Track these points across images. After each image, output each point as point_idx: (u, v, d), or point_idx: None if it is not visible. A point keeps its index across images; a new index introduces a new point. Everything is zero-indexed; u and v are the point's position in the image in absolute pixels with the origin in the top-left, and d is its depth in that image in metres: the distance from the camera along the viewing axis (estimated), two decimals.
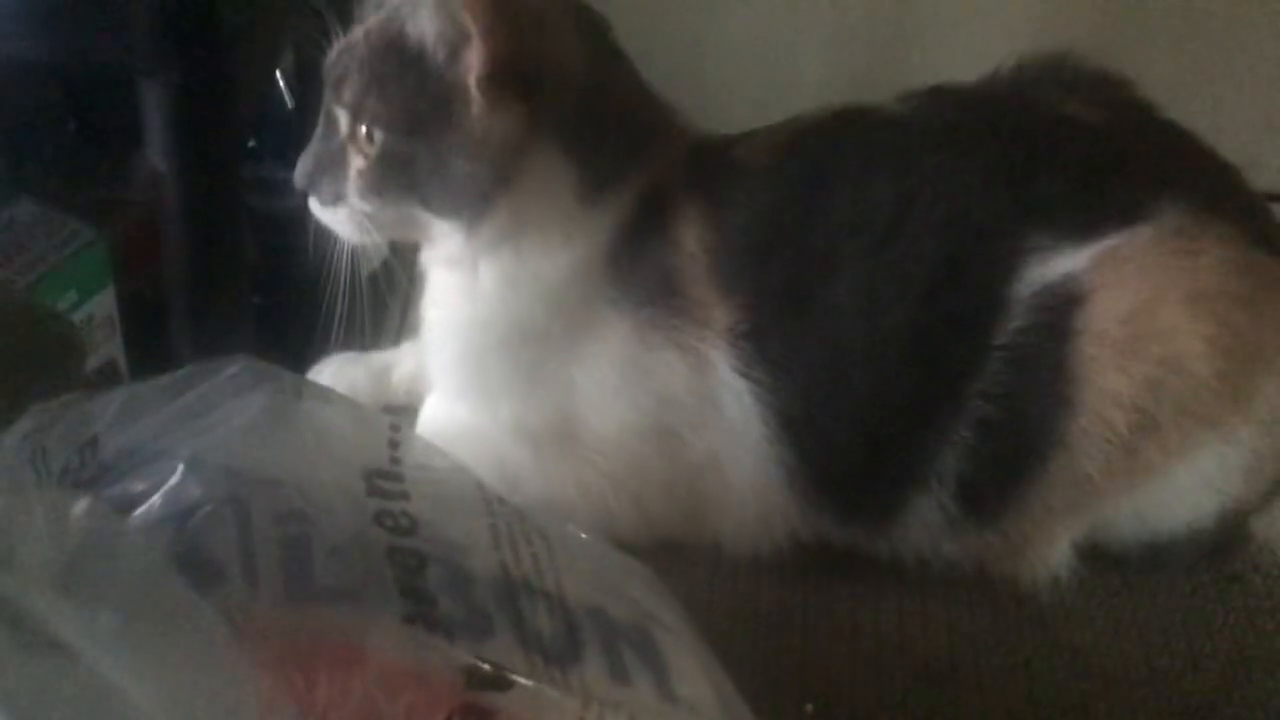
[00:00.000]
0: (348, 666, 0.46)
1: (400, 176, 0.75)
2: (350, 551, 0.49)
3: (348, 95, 0.75)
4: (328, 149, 0.77)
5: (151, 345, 1.14)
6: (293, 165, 1.40)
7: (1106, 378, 0.72)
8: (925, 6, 1.53)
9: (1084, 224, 0.73)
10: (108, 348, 1.17)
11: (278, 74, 1.32)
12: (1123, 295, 0.72)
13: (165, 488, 0.47)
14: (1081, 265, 0.73)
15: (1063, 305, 0.73)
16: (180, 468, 0.48)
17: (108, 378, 1.18)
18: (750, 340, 0.76)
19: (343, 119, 0.76)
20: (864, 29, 1.55)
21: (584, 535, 0.68)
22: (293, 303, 1.12)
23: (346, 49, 0.77)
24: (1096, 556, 0.80)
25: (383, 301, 0.88)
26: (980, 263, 0.74)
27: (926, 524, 0.77)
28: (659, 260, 0.78)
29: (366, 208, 0.77)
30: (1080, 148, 0.76)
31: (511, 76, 0.73)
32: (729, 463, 0.78)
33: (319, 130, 0.78)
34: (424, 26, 0.74)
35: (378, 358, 0.95)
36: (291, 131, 1.37)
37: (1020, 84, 0.82)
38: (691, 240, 0.77)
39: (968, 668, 0.76)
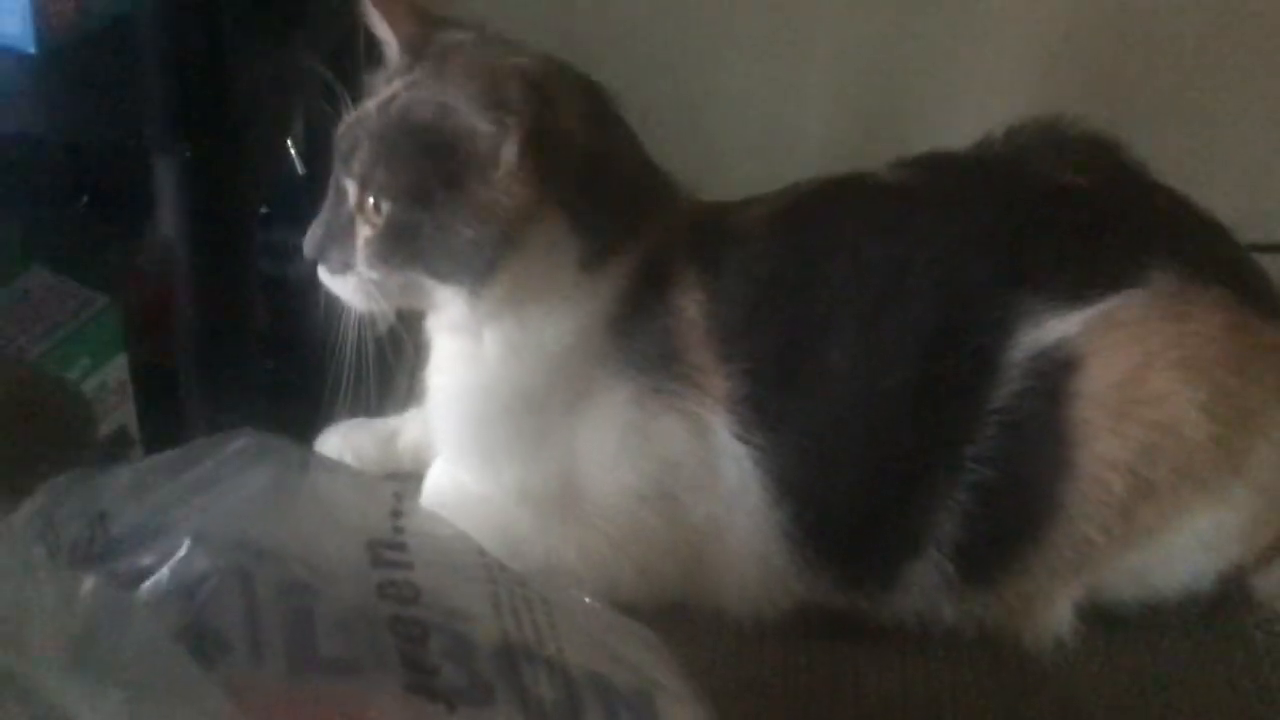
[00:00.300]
0: None
1: (407, 245, 0.76)
2: (354, 622, 0.50)
3: (357, 166, 0.77)
4: (336, 218, 0.79)
5: (164, 411, 1.16)
6: (304, 231, 1.42)
7: (1102, 442, 0.74)
8: (925, 66, 1.54)
9: (1076, 289, 0.74)
10: (120, 414, 1.19)
11: (289, 142, 1.34)
12: (1116, 360, 0.73)
13: (173, 561, 0.48)
14: (1074, 330, 0.74)
15: (1057, 370, 0.74)
16: (187, 542, 0.49)
17: (120, 444, 1.20)
18: (749, 406, 0.77)
19: (351, 189, 0.77)
20: (864, 88, 1.57)
21: (587, 599, 0.69)
22: (304, 367, 1.13)
23: (357, 121, 0.78)
24: (1098, 617, 0.80)
25: (390, 367, 0.90)
26: (975, 328, 0.75)
27: (926, 588, 0.78)
28: (659, 327, 0.79)
29: (374, 275, 0.78)
30: (1071, 214, 0.78)
31: (529, 147, 0.75)
32: (729, 527, 0.79)
33: (328, 200, 0.80)
34: (453, 102, 0.74)
35: (383, 424, 0.96)
36: (303, 198, 1.39)
37: (1012, 150, 0.84)
38: (691, 307, 0.79)
39: None
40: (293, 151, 1.36)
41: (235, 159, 0.98)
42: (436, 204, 0.75)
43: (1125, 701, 0.79)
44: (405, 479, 0.91)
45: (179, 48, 0.91)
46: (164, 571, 0.48)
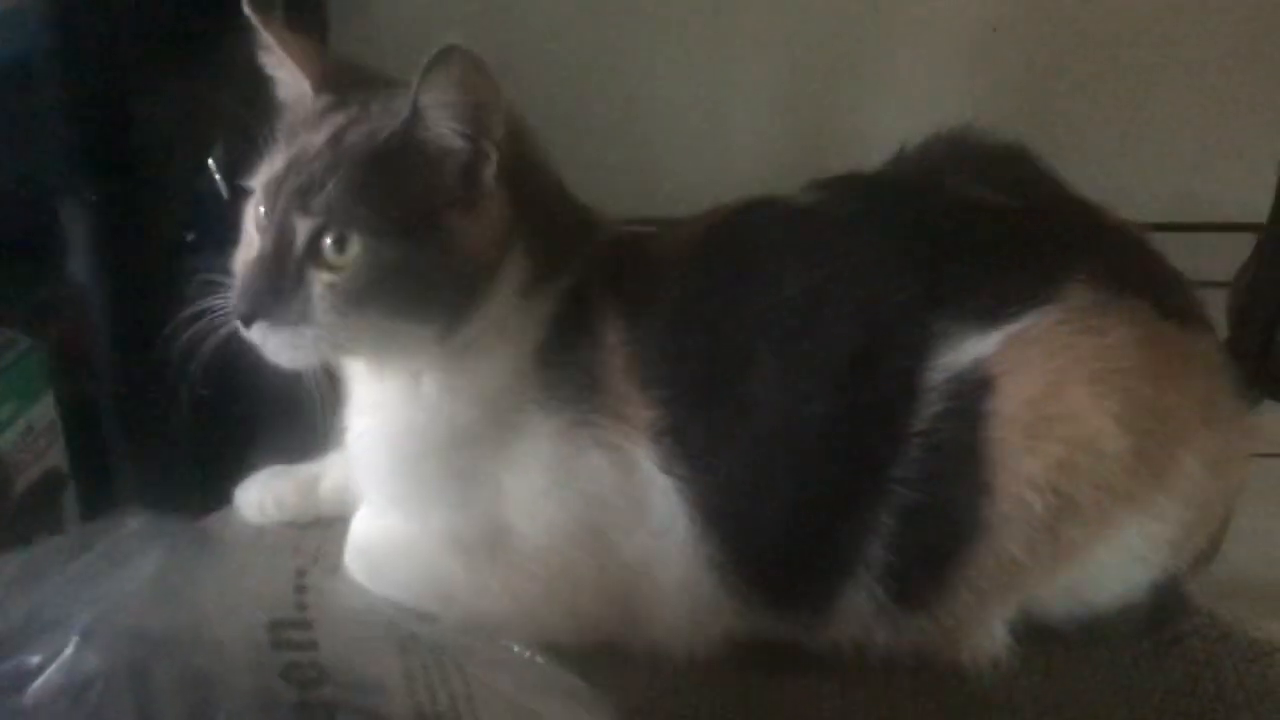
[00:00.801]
0: None
1: (377, 286, 0.72)
2: (255, 712, 0.49)
3: (319, 204, 0.72)
4: (279, 268, 0.72)
5: (97, 449, 1.14)
6: (231, 256, 1.40)
7: (1019, 461, 0.73)
8: (858, 66, 1.55)
9: (991, 309, 0.74)
10: (51, 456, 1.17)
11: (211, 166, 1.32)
12: (1029, 378, 0.73)
13: (60, 660, 0.47)
14: (990, 350, 0.73)
15: (973, 391, 0.73)
16: (75, 638, 0.47)
17: (52, 486, 1.17)
18: (671, 436, 0.76)
19: (303, 231, 0.72)
20: (798, 91, 1.57)
21: (515, 648, 0.67)
22: (235, 396, 1.11)
23: (300, 160, 0.73)
24: (1034, 634, 0.80)
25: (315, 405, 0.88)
26: (892, 351, 0.74)
27: (859, 613, 0.77)
28: (583, 358, 0.78)
29: (338, 323, 0.73)
30: (985, 232, 0.77)
31: (504, 174, 0.75)
32: (659, 561, 0.78)
33: (258, 252, 0.74)
34: (434, 127, 0.72)
35: (305, 470, 0.94)
36: (229, 222, 1.37)
37: (926, 167, 0.83)
38: (611, 336, 0.78)
39: None
40: (216, 176, 1.34)
41: (146, 197, 0.96)
42: (415, 237, 0.73)
43: (1066, 715, 0.78)
44: (330, 524, 0.89)
45: (80, 85, 0.90)
46: (51, 672, 0.47)
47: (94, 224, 0.95)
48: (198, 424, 1.11)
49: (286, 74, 0.78)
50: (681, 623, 0.79)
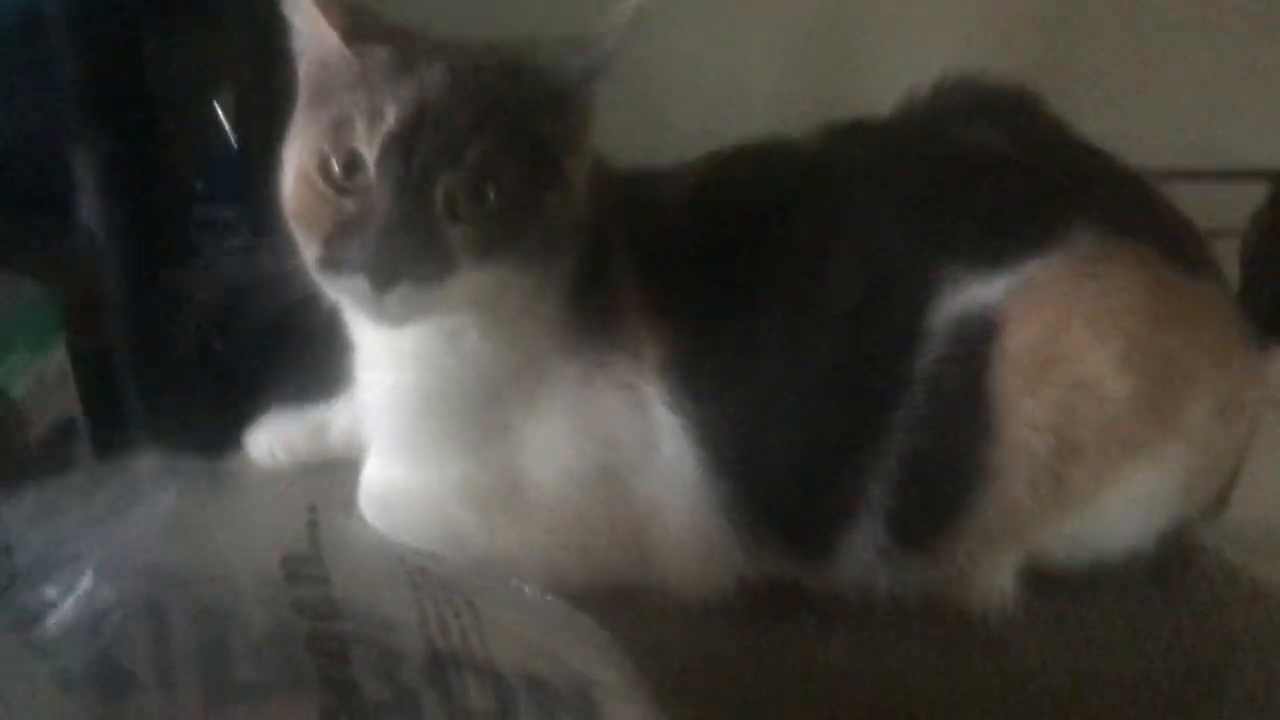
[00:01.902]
0: None
1: (515, 234, 0.72)
2: (270, 645, 0.49)
3: (469, 158, 0.69)
4: (415, 226, 0.69)
5: (109, 396, 1.14)
6: (241, 203, 1.40)
7: (1022, 404, 0.73)
8: (869, 15, 1.53)
9: (997, 254, 0.74)
10: (64, 404, 1.17)
11: (219, 114, 1.32)
12: (1032, 321, 0.73)
13: (77, 594, 0.47)
14: (995, 295, 0.73)
15: (979, 335, 0.73)
16: (90, 572, 0.48)
17: (66, 434, 1.18)
18: (679, 373, 0.76)
19: (443, 186, 0.69)
20: (811, 37, 1.56)
21: (526, 590, 0.68)
22: (245, 341, 1.12)
23: (427, 117, 0.70)
24: (1040, 580, 0.80)
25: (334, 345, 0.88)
26: (898, 296, 0.74)
27: (863, 556, 0.77)
28: (600, 300, 0.78)
29: (479, 275, 0.71)
30: (992, 178, 0.77)
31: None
32: (669, 503, 0.78)
33: (387, 213, 0.69)
34: (563, 80, 0.73)
35: (314, 415, 0.95)
36: (238, 170, 1.37)
37: (934, 113, 0.83)
38: (625, 276, 0.78)
39: (921, 699, 0.76)
40: (225, 124, 1.34)
41: (154, 143, 0.96)
42: (541, 184, 0.72)
43: (1073, 663, 0.79)
44: (339, 469, 0.90)
45: (89, 38, 0.89)
46: (68, 605, 0.47)
47: (106, 172, 0.95)
48: (208, 369, 1.12)
49: (309, 25, 0.75)
50: (691, 565, 0.79)
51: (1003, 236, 0.74)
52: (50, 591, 0.48)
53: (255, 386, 1.10)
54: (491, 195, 0.70)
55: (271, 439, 0.93)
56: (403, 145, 0.69)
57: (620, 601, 0.77)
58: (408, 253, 0.69)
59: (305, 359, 0.92)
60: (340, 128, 0.70)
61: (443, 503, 0.80)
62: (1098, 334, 0.73)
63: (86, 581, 0.47)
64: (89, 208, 0.97)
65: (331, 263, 0.71)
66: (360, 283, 0.69)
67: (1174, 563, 0.84)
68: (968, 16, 1.51)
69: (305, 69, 0.76)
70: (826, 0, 1.54)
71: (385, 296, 0.69)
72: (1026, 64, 1.47)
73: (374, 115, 0.69)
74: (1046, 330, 0.73)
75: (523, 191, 0.71)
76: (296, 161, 0.74)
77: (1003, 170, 0.77)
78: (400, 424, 0.82)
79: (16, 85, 0.96)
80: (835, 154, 0.80)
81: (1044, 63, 1.50)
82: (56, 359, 1.15)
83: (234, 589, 0.50)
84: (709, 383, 0.76)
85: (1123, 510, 0.78)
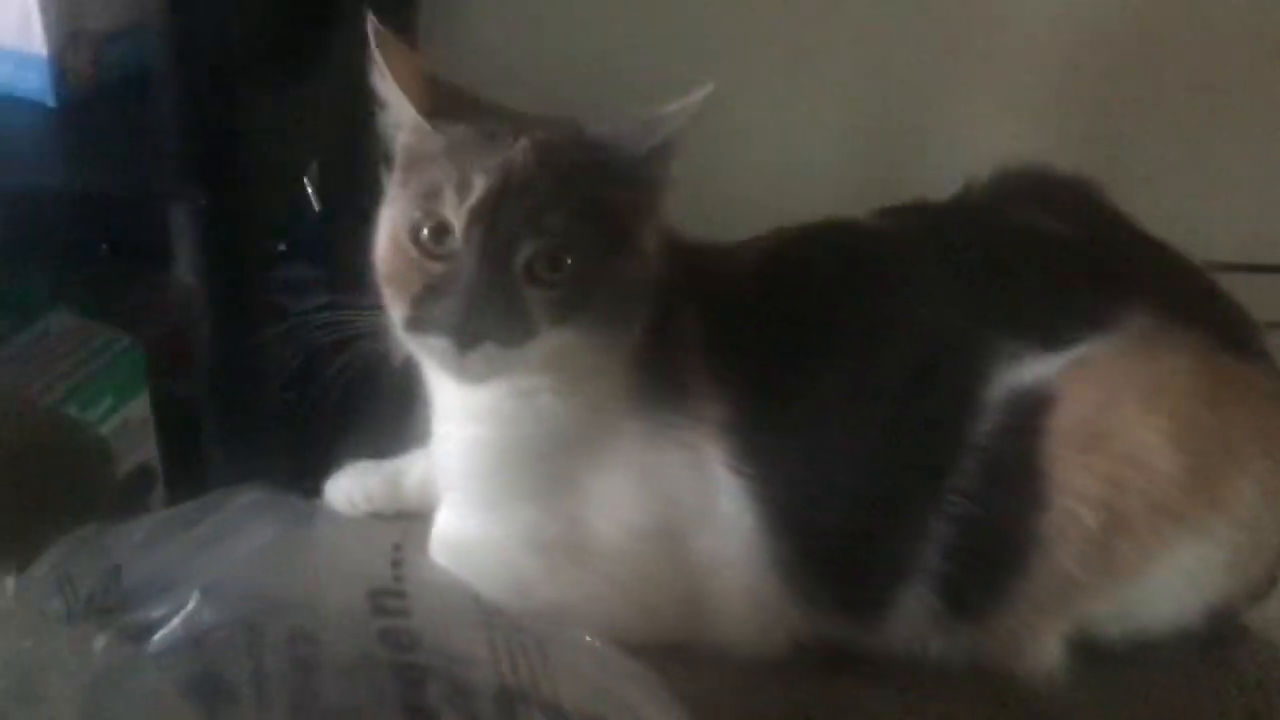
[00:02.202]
0: None
1: (590, 297, 0.75)
2: (356, 671, 0.53)
3: (550, 225, 0.73)
4: (495, 291, 0.73)
5: (186, 446, 1.18)
6: (320, 264, 1.45)
7: (1072, 475, 0.76)
8: (935, 101, 1.57)
9: (1053, 332, 0.77)
10: (143, 450, 1.22)
11: (305, 181, 1.38)
12: (1086, 397, 0.76)
13: (183, 614, 0.51)
14: (1051, 371, 0.76)
15: (1033, 409, 0.76)
16: (196, 595, 0.51)
17: (143, 480, 1.22)
18: (741, 436, 0.79)
19: (524, 252, 0.73)
20: (874, 122, 1.60)
21: (588, 639, 0.71)
22: (321, 399, 1.16)
23: (512, 187, 0.74)
24: (1089, 651, 0.82)
25: (399, 405, 0.92)
26: (955, 368, 0.77)
27: (915, 619, 0.80)
28: (665, 361, 0.81)
29: (557, 337, 0.75)
30: (1048, 259, 0.80)
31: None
32: (726, 560, 0.81)
33: (470, 277, 0.73)
34: (642, 152, 0.76)
35: (390, 465, 0.98)
36: (318, 234, 1.43)
37: (994, 197, 0.86)
38: (689, 341, 0.81)
39: None
40: (310, 190, 1.40)
41: (249, 204, 1.01)
42: (615, 250, 0.76)
43: None
44: (413, 519, 0.93)
45: (192, 100, 0.94)
46: (175, 624, 0.51)
47: (199, 230, 1.00)
48: (286, 422, 1.16)
49: (396, 101, 0.79)
50: (747, 622, 0.82)
51: (1060, 316, 0.77)
52: (158, 611, 0.52)
53: (331, 440, 1.14)
54: (569, 261, 0.74)
55: (351, 488, 0.97)
56: (488, 214, 0.73)
57: (674, 652, 0.79)
58: (490, 315, 0.73)
59: (380, 415, 0.96)
60: (430, 196, 0.75)
61: (510, 551, 0.83)
62: (1148, 411, 0.75)
63: (192, 603, 0.51)
64: (183, 263, 1.02)
65: (418, 322, 0.75)
66: (445, 342, 0.74)
67: (1221, 641, 0.85)
68: (1030, 107, 1.55)
69: (398, 139, 0.80)
70: (891, 86, 1.57)
71: (468, 356, 0.74)
72: (1088, 153, 1.49)
73: (462, 185, 0.74)
74: (1098, 406, 0.76)
75: (597, 258, 0.75)
76: (389, 226, 0.78)
77: (1061, 253, 0.81)
78: (473, 475, 0.85)
79: (124, 145, 1.02)
80: (898, 231, 0.84)
81: (1105, 152, 1.53)
82: (140, 406, 1.20)
83: (324, 617, 0.54)
84: (769, 445, 0.79)
85: (1170, 585, 0.79)
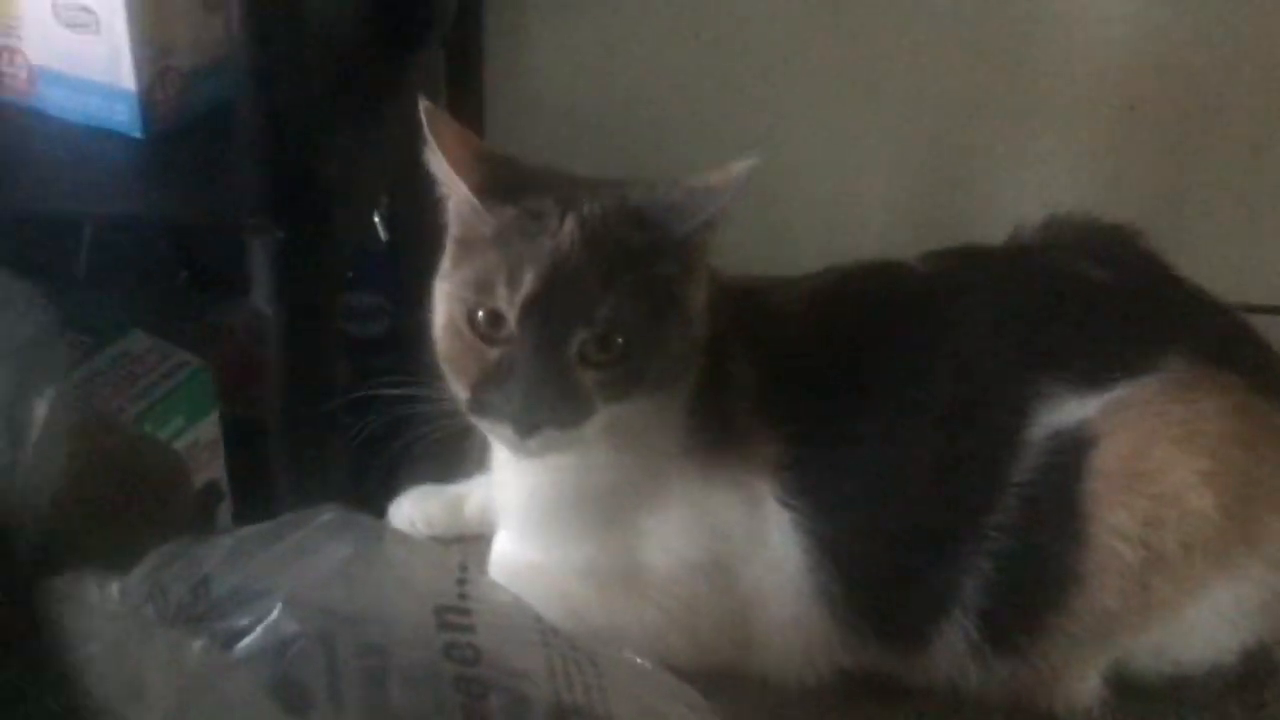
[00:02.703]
0: None
1: (644, 368, 0.77)
2: (422, 681, 0.56)
3: (600, 317, 0.75)
4: (549, 377, 0.75)
5: (252, 465, 1.22)
6: (385, 293, 1.49)
7: (1111, 513, 0.78)
8: (988, 151, 1.58)
9: (1094, 375, 0.79)
10: (211, 469, 1.26)
11: (374, 213, 1.43)
12: (1124, 437, 0.78)
13: (265, 623, 0.55)
14: (1090, 413, 0.79)
15: (1074, 448, 0.79)
16: (279, 606, 0.55)
17: (211, 497, 1.27)
18: (792, 472, 0.82)
19: (576, 341, 0.75)
20: (930, 165, 1.61)
21: (639, 661, 0.74)
22: (383, 423, 1.20)
23: (561, 276, 0.75)
24: (1126, 689, 0.84)
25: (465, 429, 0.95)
26: (997, 408, 0.80)
27: (955, 652, 0.82)
28: (717, 402, 0.83)
29: (614, 411, 0.77)
30: (1090, 304, 0.83)
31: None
32: (774, 594, 0.84)
33: (527, 366, 0.75)
34: (686, 227, 0.77)
35: (452, 491, 1.02)
36: (385, 262, 1.48)
37: (1039, 243, 0.90)
38: (741, 379, 0.84)
39: None
40: (378, 222, 1.45)
41: (323, 237, 1.05)
42: (665, 319, 0.78)
43: None
44: (472, 542, 0.97)
45: (270, 135, 0.99)
46: (258, 632, 0.55)
47: (273, 259, 1.03)
48: (349, 446, 1.20)
49: (448, 179, 0.80)
50: (792, 652, 0.85)
51: (1100, 359, 0.80)
52: (243, 620, 0.56)
53: (394, 463, 1.18)
54: (620, 341, 0.76)
55: (413, 511, 1.00)
56: (540, 308, 0.75)
57: (720, 680, 0.81)
58: (548, 403, 0.75)
59: (441, 439, 1.00)
60: (483, 287, 0.77)
61: (564, 580, 0.86)
62: (1184, 451, 0.78)
63: (274, 614, 0.55)
64: (257, 290, 1.06)
65: (480, 406, 0.78)
66: (506, 429, 0.77)
67: (1255, 680, 0.86)
68: (1090, 149, 1.56)
69: (451, 213, 0.82)
70: (946, 129, 1.59)
71: (528, 441, 0.77)
72: (1147, 196, 1.51)
73: (512, 279, 0.75)
74: (1136, 446, 0.78)
75: (648, 332, 0.77)
76: (445, 309, 0.80)
77: (1103, 297, 0.84)
78: (529, 518, 0.88)
79: (203, 175, 1.06)
80: (945, 273, 0.86)
81: (1165, 195, 1.54)
82: (209, 427, 1.25)
83: (393, 630, 0.58)
84: (818, 481, 0.82)
85: (1206, 623, 0.81)
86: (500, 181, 0.79)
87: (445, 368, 0.81)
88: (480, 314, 0.77)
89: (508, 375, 0.76)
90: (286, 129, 0.99)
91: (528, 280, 0.75)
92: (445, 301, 0.81)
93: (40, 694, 0.43)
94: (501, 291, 0.76)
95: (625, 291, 0.76)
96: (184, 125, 1.09)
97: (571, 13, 1.56)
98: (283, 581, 0.57)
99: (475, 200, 0.78)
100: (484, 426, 0.80)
